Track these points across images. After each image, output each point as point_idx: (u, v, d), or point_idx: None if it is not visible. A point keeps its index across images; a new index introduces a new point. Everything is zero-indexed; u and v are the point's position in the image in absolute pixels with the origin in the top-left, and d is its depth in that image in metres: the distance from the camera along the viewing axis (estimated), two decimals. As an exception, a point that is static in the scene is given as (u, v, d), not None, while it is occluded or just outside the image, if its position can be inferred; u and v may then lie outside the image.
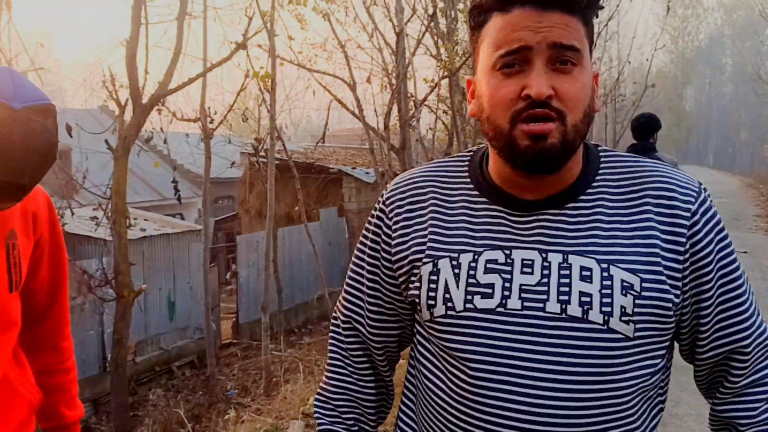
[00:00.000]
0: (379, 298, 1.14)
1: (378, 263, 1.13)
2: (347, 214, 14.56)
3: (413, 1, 11.90)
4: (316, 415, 1.21)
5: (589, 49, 0.96)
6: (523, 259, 0.97)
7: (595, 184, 1.00)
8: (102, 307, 9.40)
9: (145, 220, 11.69)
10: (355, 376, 1.19)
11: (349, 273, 1.20)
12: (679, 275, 0.96)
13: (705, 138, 59.25)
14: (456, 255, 1.00)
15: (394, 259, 1.09)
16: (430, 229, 1.05)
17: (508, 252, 0.98)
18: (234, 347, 11.46)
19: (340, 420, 1.18)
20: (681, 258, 0.96)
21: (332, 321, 1.25)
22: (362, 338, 1.18)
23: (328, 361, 1.23)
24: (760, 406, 1.01)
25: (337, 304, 1.23)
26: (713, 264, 0.98)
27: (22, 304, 1.45)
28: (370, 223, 1.15)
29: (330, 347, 1.23)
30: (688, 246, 0.96)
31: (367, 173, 14.26)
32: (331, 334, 1.24)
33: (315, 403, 1.23)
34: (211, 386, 8.84)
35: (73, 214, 8.02)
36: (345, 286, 1.21)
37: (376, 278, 1.14)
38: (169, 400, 9.16)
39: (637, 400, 0.97)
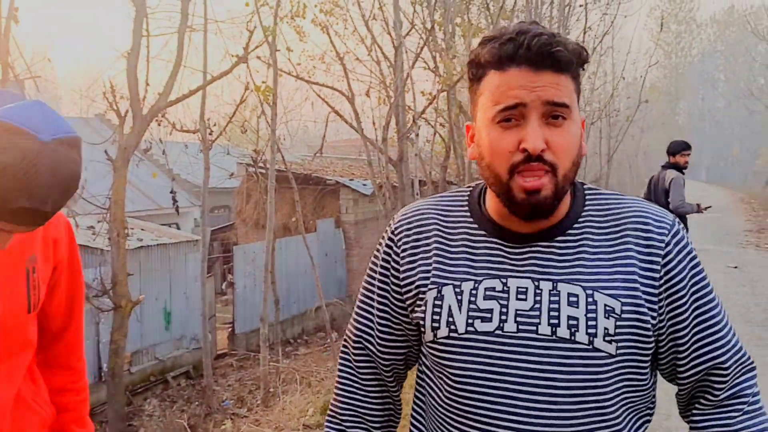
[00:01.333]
0: (388, 319, 1.23)
1: (387, 287, 1.23)
2: (344, 225, 14.59)
3: (412, 15, 12.01)
4: (326, 430, 1.30)
5: (577, 99, 1.07)
6: (518, 287, 1.08)
7: (581, 219, 1.12)
8: (98, 317, 9.40)
9: (142, 229, 11.69)
10: (363, 392, 1.27)
11: (359, 296, 1.30)
12: (655, 299, 1.07)
13: (698, 152, 59.49)
14: (459, 283, 1.12)
15: (402, 284, 1.19)
16: (434, 258, 1.16)
17: (504, 281, 1.09)
18: (230, 358, 11.45)
19: None
20: (656, 284, 1.07)
21: (343, 342, 1.33)
22: (371, 357, 1.27)
23: (338, 378, 1.32)
24: (738, 416, 1.10)
25: (349, 325, 1.32)
26: (687, 289, 1.09)
27: (38, 325, 1.51)
28: (379, 250, 1.26)
29: (340, 365, 1.32)
30: (662, 273, 1.08)
31: (364, 185, 14.31)
32: (341, 353, 1.33)
33: (326, 419, 1.33)
34: (207, 397, 8.83)
35: (77, 225, 8.03)
36: (356, 308, 1.30)
37: (386, 301, 1.23)
38: (165, 410, 9.14)
39: (622, 411, 1.07)
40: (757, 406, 1.12)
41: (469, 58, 1.11)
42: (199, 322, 9.91)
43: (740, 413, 1.10)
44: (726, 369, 1.11)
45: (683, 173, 6.47)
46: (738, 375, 1.12)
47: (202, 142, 8.33)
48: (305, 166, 15.87)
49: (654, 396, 1.15)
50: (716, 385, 1.12)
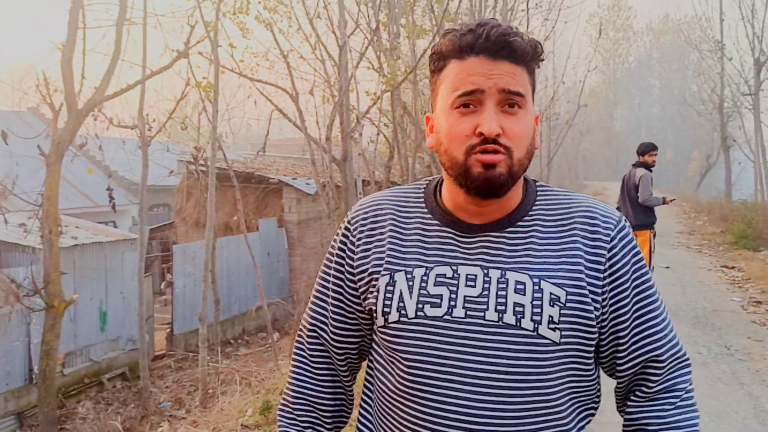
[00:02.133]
0: (341, 308, 1.25)
1: (342, 275, 1.25)
2: (287, 224, 14.47)
3: (357, 14, 12.01)
4: (278, 418, 1.33)
5: (532, 94, 1.13)
6: (467, 274, 1.11)
7: (531, 212, 1.16)
8: (29, 317, 9.06)
9: (76, 227, 11.33)
10: (315, 382, 1.30)
11: (315, 286, 1.32)
12: (599, 291, 1.11)
13: (634, 157, 61.35)
14: (410, 269, 1.14)
15: (356, 271, 1.22)
16: (388, 245, 1.19)
17: (455, 268, 1.12)
18: (168, 359, 11.21)
19: (295, 422, 1.29)
20: (601, 276, 1.11)
21: (298, 331, 1.35)
22: (325, 346, 1.29)
23: (291, 368, 1.33)
24: (670, 410, 1.15)
25: (304, 315, 1.33)
26: (629, 282, 1.14)
27: None
28: (335, 240, 1.28)
29: (293, 355, 1.34)
30: (607, 266, 1.12)
31: (307, 184, 14.22)
32: (296, 342, 1.35)
33: (278, 406, 1.35)
34: (143, 399, 8.63)
35: (7, 222, 7.73)
36: (312, 298, 1.32)
37: (340, 289, 1.25)
38: (99, 413, 8.89)
39: (566, 401, 1.11)
40: (689, 401, 1.16)
41: (432, 50, 1.15)
42: (136, 323, 9.68)
43: (672, 407, 1.14)
44: (661, 362, 1.15)
45: (651, 171, 7.07)
46: (673, 369, 1.17)
47: (141, 138, 8.14)
48: (248, 164, 15.67)
49: (599, 390, 1.19)
50: (651, 378, 1.16)
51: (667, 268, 10.21)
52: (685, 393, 1.16)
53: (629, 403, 1.20)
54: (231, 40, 9.88)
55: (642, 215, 6.85)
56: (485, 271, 1.10)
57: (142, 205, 8.67)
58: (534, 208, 1.16)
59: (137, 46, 8.03)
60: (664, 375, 1.16)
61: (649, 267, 6.48)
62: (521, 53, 1.07)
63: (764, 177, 20.03)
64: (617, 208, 8.63)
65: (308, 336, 1.31)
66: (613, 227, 1.14)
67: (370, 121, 13.46)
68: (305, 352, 1.32)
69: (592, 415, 1.19)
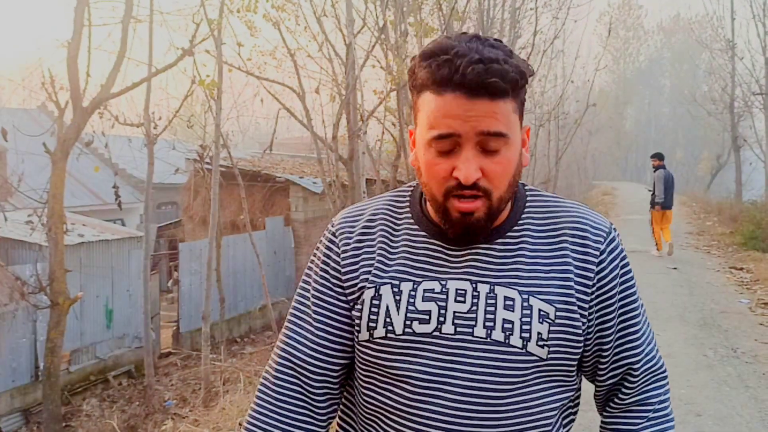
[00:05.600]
0: (325, 325, 1.14)
1: (327, 289, 1.15)
2: (294, 223, 14.48)
3: (364, 12, 11.98)
4: None
5: (520, 112, 1.05)
6: (456, 289, 1.07)
7: (521, 221, 1.12)
8: (35, 315, 9.11)
9: (83, 225, 11.38)
10: (280, 425, 1.13)
11: (291, 307, 1.20)
12: (586, 305, 1.09)
13: (644, 156, 61.14)
14: (397, 283, 1.10)
15: (345, 285, 1.14)
16: (377, 257, 1.13)
17: (443, 282, 1.08)
18: (174, 357, 11.24)
19: None
20: (589, 291, 1.09)
21: (264, 371, 1.19)
22: (298, 378, 1.14)
23: (250, 410, 1.18)
24: (641, 423, 1.15)
25: (275, 348, 1.19)
26: (616, 296, 1.12)
27: None
28: (318, 249, 1.19)
29: (258, 393, 1.18)
30: (595, 281, 1.10)
31: (314, 183, 14.22)
32: (261, 379, 1.19)
33: None
34: (148, 396, 8.64)
35: (6, 219, 7.76)
36: (286, 323, 1.19)
37: (324, 304, 1.15)
38: (104, 410, 8.91)
39: (551, 409, 1.09)
40: (663, 413, 1.16)
41: (409, 67, 1.08)
42: (142, 321, 9.70)
43: (644, 420, 1.15)
44: (636, 375, 1.15)
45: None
46: (648, 382, 1.17)
47: (147, 136, 8.14)
48: (255, 162, 15.69)
49: (579, 395, 1.19)
50: (625, 390, 1.16)
51: (675, 269, 10.13)
52: (659, 405, 1.16)
53: (605, 412, 1.21)
54: (239, 38, 9.90)
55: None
56: (474, 285, 1.07)
57: (147, 203, 8.69)
58: (523, 217, 1.13)
59: (143, 44, 8.04)
60: (638, 387, 1.16)
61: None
62: (502, 90, 0.99)
63: (775, 177, 19.86)
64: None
65: (276, 369, 1.15)
66: (603, 239, 1.11)
67: (376, 120, 13.45)
68: (270, 390, 1.15)
69: (573, 420, 1.19)
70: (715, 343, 6.11)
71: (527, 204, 1.14)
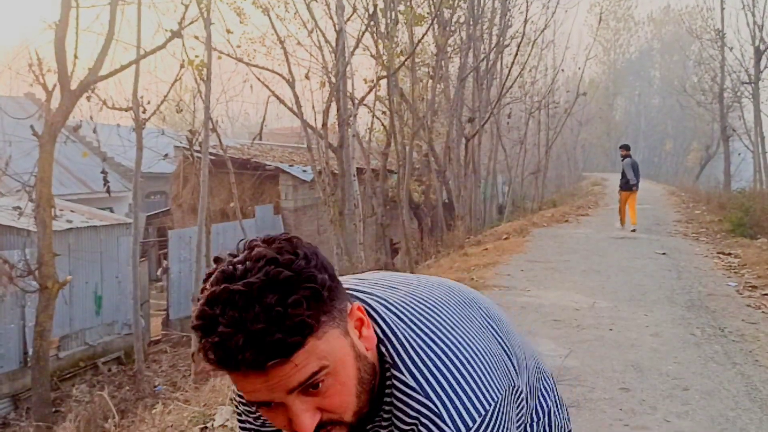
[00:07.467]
0: None
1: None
2: (284, 211, 14.46)
3: (354, 0, 11.96)
4: None
5: (332, 318, 0.90)
6: None
7: (377, 419, 1.02)
8: (24, 300, 9.07)
9: (72, 211, 11.31)
10: None
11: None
12: None
13: (633, 147, 61.40)
14: None
15: None
16: None
17: None
18: (164, 344, 11.23)
19: None
20: None
21: None
22: None
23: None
24: None
25: None
26: None
27: None
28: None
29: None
30: None
31: (304, 171, 14.20)
32: None
33: None
34: (138, 382, 8.63)
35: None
36: None
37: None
38: (94, 396, 8.90)
39: None
40: None
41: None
42: (131, 307, 9.68)
43: None
44: None
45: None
46: None
47: (135, 120, 8.10)
48: (244, 150, 15.65)
49: None
50: None
51: (664, 254, 10.20)
52: None
53: None
54: (228, 25, 9.86)
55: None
56: None
57: (135, 188, 8.64)
58: (376, 419, 1.02)
59: (131, 26, 7.98)
60: None
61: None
62: (290, 353, 0.85)
63: (763, 166, 20.01)
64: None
65: None
66: None
67: (368, 109, 13.44)
68: None
69: None
70: (703, 323, 6.16)
71: (385, 399, 1.01)
